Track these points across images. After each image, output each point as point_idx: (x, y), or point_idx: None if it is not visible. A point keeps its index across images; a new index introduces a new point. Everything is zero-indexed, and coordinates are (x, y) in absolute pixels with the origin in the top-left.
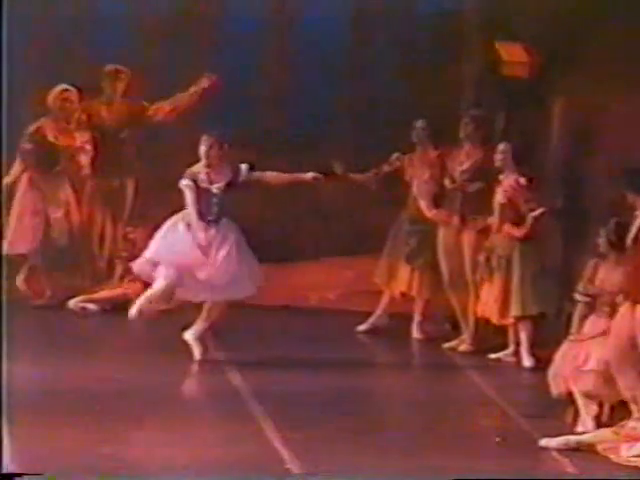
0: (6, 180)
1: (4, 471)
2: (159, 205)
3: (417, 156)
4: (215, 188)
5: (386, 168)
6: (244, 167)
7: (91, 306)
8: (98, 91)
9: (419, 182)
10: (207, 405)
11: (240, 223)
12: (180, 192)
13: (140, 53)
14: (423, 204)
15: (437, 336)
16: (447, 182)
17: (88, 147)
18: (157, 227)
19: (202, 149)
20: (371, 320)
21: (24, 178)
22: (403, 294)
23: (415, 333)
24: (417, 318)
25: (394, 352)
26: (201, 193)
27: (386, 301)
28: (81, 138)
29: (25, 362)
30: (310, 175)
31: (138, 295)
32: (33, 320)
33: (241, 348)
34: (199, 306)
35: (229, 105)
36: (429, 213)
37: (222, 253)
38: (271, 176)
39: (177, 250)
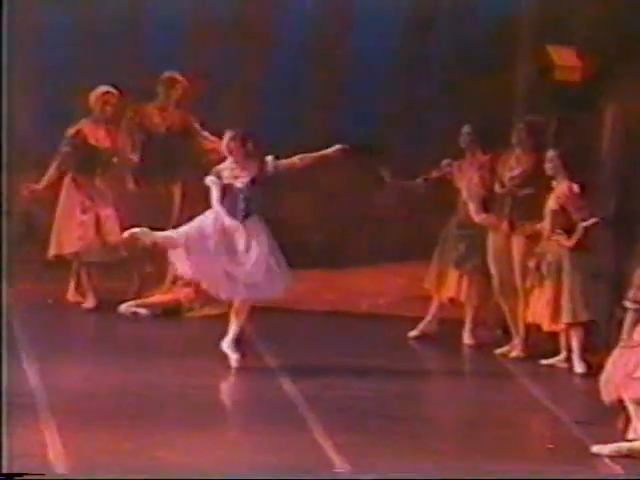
0: (41, 184)
1: (4, 471)
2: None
3: (466, 162)
4: (239, 183)
5: (435, 174)
6: (270, 159)
7: (142, 311)
8: (152, 95)
9: (468, 186)
10: (257, 410)
11: (291, 228)
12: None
13: (193, 56)
14: (472, 208)
15: (488, 342)
16: (497, 187)
17: (136, 149)
18: None
19: (224, 144)
20: (420, 326)
21: (66, 180)
22: (452, 300)
23: (466, 339)
24: (468, 324)
25: (445, 358)
26: (226, 189)
27: (436, 307)
28: (130, 140)
29: (71, 364)
30: (335, 148)
31: (190, 300)
32: (85, 324)
33: (291, 353)
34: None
35: (279, 110)
36: (478, 217)
37: (254, 251)
38: (297, 160)
39: (201, 233)
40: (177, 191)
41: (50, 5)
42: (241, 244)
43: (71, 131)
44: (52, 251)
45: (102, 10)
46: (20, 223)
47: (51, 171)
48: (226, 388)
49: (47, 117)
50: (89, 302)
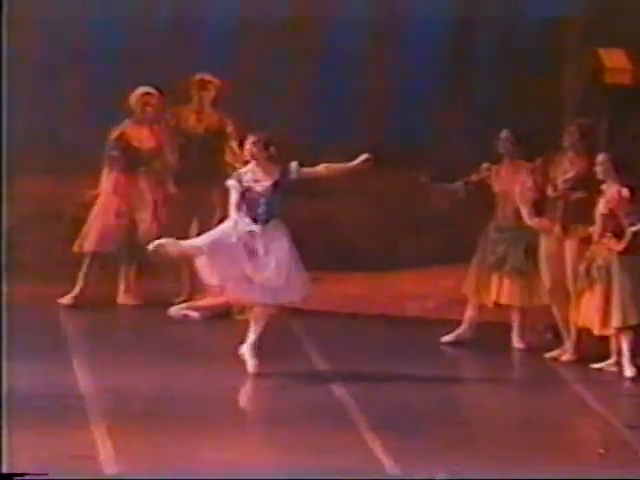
0: (99, 190)
1: (4, 471)
2: None
3: (504, 167)
4: (259, 187)
5: (474, 177)
6: (294, 164)
7: (193, 314)
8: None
9: (521, 190)
10: (307, 412)
11: (339, 231)
12: None
13: (237, 58)
14: (524, 212)
15: (539, 346)
16: (549, 190)
17: (175, 152)
18: None
19: (246, 148)
20: (456, 332)
21: (110, 181)
22: (495, 303)
23: (516, 342)
24: (516, 327)
25: (495, 362)
26: (247, 193)
27: (472, 311)
28: (169, 143)
29: (121, 366)
30: (361, 160)
31: (239, 303)
32: (135, 326)
33: (340, 357)
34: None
35: (326, 114)
36: (530, 221)
37: (273, 256)
38: (323, 169)
39: (224, 239)
40: (217, 193)
41: (94, 6)
42: (261, 249)
43: (115, 133)
44: (77, 247)
45: (149, 9)
46: (69, 227)
47: (104, 175)
48: (274, 390)
49: (96, 119)
50: (129, 299)
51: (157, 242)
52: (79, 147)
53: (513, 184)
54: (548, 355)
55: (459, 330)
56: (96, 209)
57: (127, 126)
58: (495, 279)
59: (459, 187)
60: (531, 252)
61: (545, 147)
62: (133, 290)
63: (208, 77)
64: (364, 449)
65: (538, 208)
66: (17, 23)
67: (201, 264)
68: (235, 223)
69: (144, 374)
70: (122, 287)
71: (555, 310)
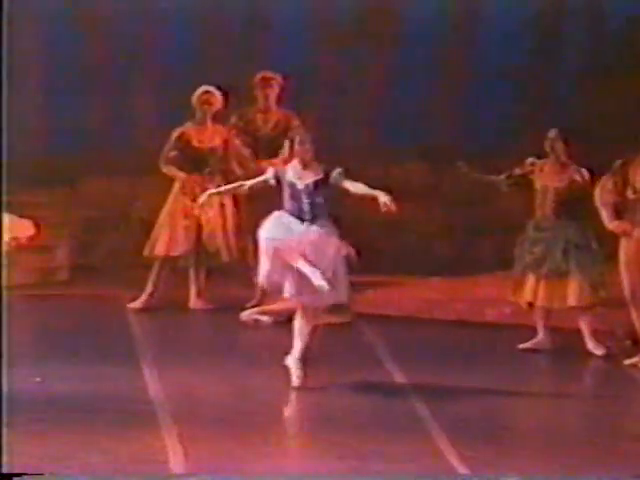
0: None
1: (4, 471)
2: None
3: (548, 164)
4: (301, 184)
5: (517, 171)
6: (337, 170)
7: (264, 318)
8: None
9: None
10: (381, 419)
11: (416, 235)
12: (346, 203)
13: (307, 57)
14: (604, 215)
15: (617, 352)
16: (629, 192)
17: (243, 152)
18: None
19: (289, 146)
20: (535, 340)
21: (176, 183)
22: (530, 304)
23: (593, 349)
24: (586, 332)
25: (573, 369)
26: (289, 189)
27: (539, 318)
28: (234, 143)
29: (191, 371)
30: (381, 197)
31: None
32: (206, 330)
33: (415, 363)
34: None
35: (403, 116)
36: (610, 224)
37: (322, 255)
38: (353, 187)
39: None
40: None
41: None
42: (309, 248)
43: (175, 134)
44: (147, 251)
45: (216, 8)
46: (138, 229)
47: (175, 176)
48: (347, 397)
49: (166, 120)
50: (200, 304)
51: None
52: (150, 148)
53: (554, 182)
54: (627, 362)
55: (537, 338)
56: (165, 211)
57: (187, 126)
58: (531, 280)
59: (501, 180)
60: (569, 253)
61: (626, 149)
62: (204, 294)
63: (271, 74)
64: (439, 458)
65: (618, 211)
66: (79, 22)
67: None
68: (281, 221)
69: (215, 379)
70: (193, 291)
71: (634, 316)
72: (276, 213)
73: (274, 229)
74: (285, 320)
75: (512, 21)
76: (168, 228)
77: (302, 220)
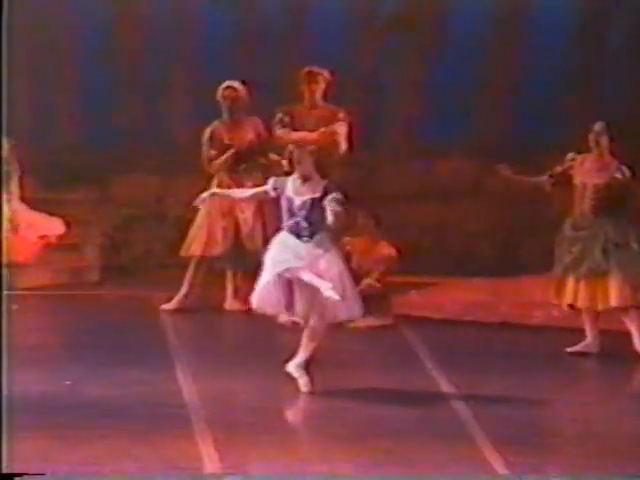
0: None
1: (4, 471)
2: (367, 215)
3: (589, 159)
4: (299, 200)
5: (558, 169)
6: (332, 196)
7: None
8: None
9: None
10: (426, 427)
11: (460, 235)
12: (388, 202)
13: (349, 52)
14: None
15: None
16: None
17: (296, 137)
18: (374, 244)
19: (295, 157)
20: (583, 343)
21: (214, 182)
22: (571, 306)
23: None
24: (634, 333)
25: (622, 373)
26: (287, 203)
27: (588, 321)
28: (266, 138)
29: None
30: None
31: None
32: (243, 332)
33: (459, 366)
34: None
35: (448, 113)
36: None
37: (327, 272)
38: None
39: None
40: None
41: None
42: (313, 265)
43: (207, 133)
44: (184, 252)
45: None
46: (173, 228)
47: (216, 175)
48: (388, 402)
49: (200, 117)
50: (237, 305)
51: None
52: (184, 145)
53: (593, 178)
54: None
55: (586, 341)
56: (202, 211)
57: (216, 124)
58: (571, 281)
59: (544, 180)
60: (608, 251)
61: None
62: (241, 295)
63: (317, 69)
64: (484, 464)
65: None
66: (113, 19)
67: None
68: (284, 240)
69: (251, 382)
70: (230, 292)
71: None
72: (281, 236)
73: (283, 254)
74: None
75: (559, 15)
76: (206, 228)
77: (299, 236)
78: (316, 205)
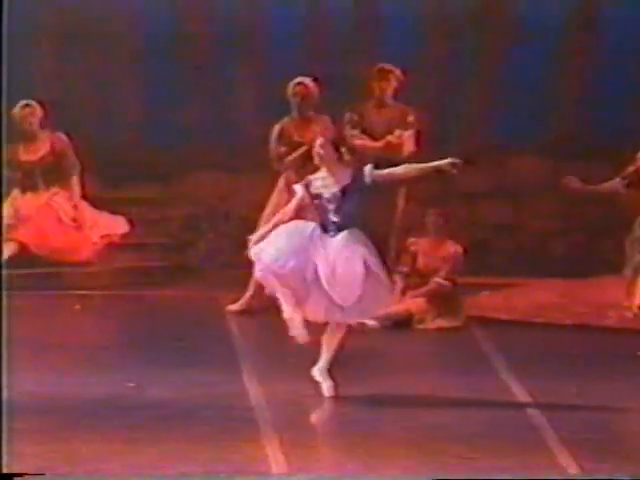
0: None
1: (4, 471)
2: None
3: None
4: (328, 193)
5: (630, 169)
6: (367, 167)
7: (371, 322)
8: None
9: None
10: (497, 431)
11: (532, 235)
12: (459, 200)
13: (421, 50)
14: None
15: None
16: None
17: (359, 143)
18: (439, 243)
19: (315, 151)
20: None
21: (280, 180)
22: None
23: None
24: None
25: None
26: (315, 200)
27: None
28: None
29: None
30: (447, 161)
31: (422, 311)
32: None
33: (531, 371)
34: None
35: (526, 109)
36: None
37: (347, 269)
38: (401, 170)
39: (294, 247)
40: (402, 191)
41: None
42: (333, 262)
43: (275, 130)
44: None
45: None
46: (240, 227)
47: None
48: (458, 406)
49: (266, 114)
50: None
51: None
52: (250, 143)
53: None
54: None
55: None
56: (269, 209)
57: (286, 121)
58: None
59: (617, 184)
60: None
61: None
62: None
63: (389, 67)
64: (557, 470)
65: None
66: (181, 17)
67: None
68: (310, 234)
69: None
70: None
71: None
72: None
73: (300, 243)
74: (392, 325)
75: (632, 13)
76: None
77: (326, 230)
78: (347, 195)
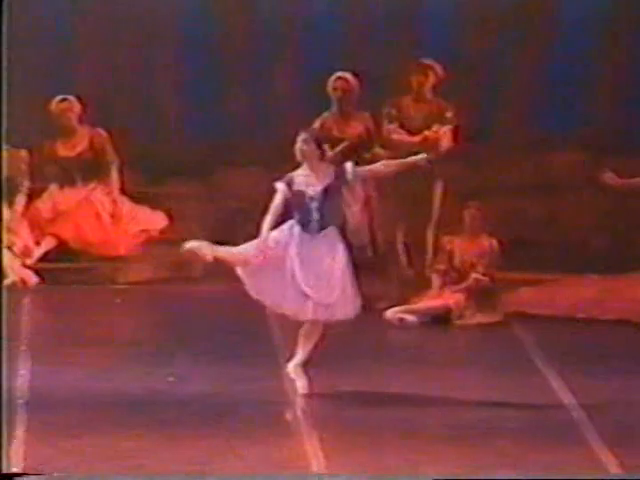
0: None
1: (4, 471)
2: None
3: None
4: (311, 190)
5: None
6: (348, 165)
7: (410, 317)
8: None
9: None
10: (535, 427)
11: (568, 229)
12: (498, 194)
13: (462, 42)
14: None
15: None
16: None
17: (396, 137)
18: (474, 238)
19: (297, 147)
20: None
21: None
22: None
23: None
24: None
25: None
26: (297, 197)
27: None
28: (371, 132)
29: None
30: (421, 157)
31: (460, 307)
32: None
33: (571, 367)
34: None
35: (567, 104)
36: None
37: (328, 269)
38: (381, 166)
39: (276, 248)
40: (438, 187)
41: None
42: (314, 260)
43: (316, 125)
44: None
45: None
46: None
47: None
48: (496, 403)
49: (306, 109)
50: None
51: (187, 246)
52: (289, 138)
53: None
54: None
55: None
56: None
57: (327, 116)
58: None
59: None
60: None
61: None
62: None
63: (428, 62)
64: (596, 466)
65: None
66: (220, 12)
67: (244, 275)
68: (288, 231)
69: (358, 380)
70: None
71: None
72: (288, 224)
73: (275, 240)
74: (430, 320)
75: None
76: None
77: (308, 230)
78: (330, 193)
